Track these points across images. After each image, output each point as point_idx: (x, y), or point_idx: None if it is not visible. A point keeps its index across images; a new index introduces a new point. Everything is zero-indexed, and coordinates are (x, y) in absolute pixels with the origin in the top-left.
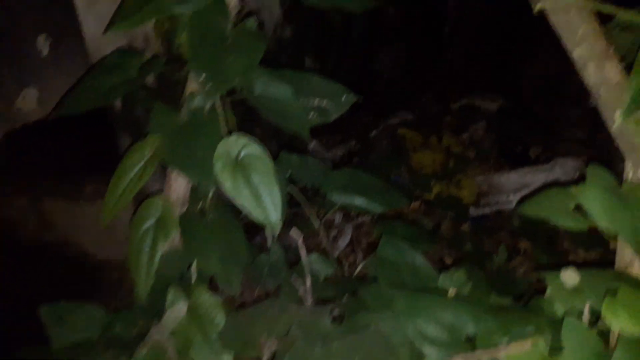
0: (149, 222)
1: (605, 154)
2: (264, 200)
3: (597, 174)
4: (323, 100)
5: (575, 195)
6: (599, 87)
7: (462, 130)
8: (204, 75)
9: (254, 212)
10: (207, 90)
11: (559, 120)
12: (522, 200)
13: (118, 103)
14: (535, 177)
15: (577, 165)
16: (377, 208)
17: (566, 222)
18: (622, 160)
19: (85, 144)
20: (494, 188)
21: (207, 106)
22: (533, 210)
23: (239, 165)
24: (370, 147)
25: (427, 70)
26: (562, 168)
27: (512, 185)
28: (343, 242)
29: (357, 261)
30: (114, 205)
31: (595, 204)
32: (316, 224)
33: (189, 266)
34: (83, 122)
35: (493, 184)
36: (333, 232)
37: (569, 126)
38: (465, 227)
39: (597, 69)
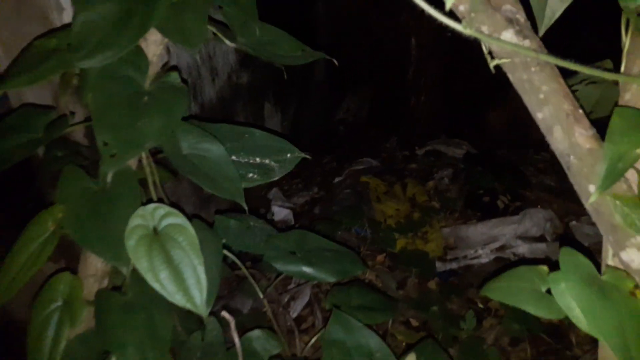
0: (55, 304)
1: (574, 202)
2: (186, 281)
3: (571, 262)
4: (266, 158)
5: (545, 276)
6: (568, 155)
7: (427, 178)
8: (107, 140)
9: (174, 297)
10: (111, 158)
11: (527, 167)
12: (493, 253)
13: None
14: (504, 229)
15: (548, 217)
16: (328, 277)
17: (538, 310)
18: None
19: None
20: (462, 241)
21: (121, 171)
22: (499, 294)
23: (157, 240)
24: (333, 195)
25: (391, 116)
26: (532, 219)
27: (481, 238)
28: (301, 303)
29: (315, 324)
30: (7, 286)
31: (571, 300)
32: (261, 293)
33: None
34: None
35: (460, 237)
36: (291, 291)
37: (537, 172)
38: (433, 283)
39: (565, 134)
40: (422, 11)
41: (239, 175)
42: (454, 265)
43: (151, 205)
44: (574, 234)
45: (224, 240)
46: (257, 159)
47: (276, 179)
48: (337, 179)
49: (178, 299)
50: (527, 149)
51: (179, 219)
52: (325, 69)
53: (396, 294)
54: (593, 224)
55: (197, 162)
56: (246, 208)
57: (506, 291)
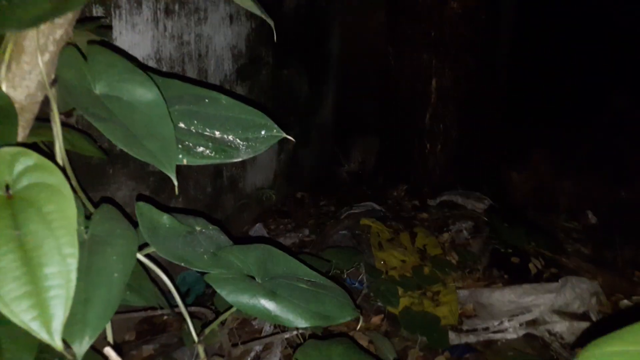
0: None
1: (615, 274)
2: (41, 282)
3: None
4: (229, 133)
5: None
6: None
7: (441, 229)
8: None
9: (12, 308)
10: None
11: (558, 233)
12: (522, 328)
13: None
14: (538, 298)
15: (593, 290)
16: (298, 321)
17: None
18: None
19: None
20: (483, 309)
21: None
22: None
23: (8, 206)
24: (325, 237)
25: (402, 163)
26: (574, 290)
27: (507, 307)
28: None
29: None
30: None
31: None
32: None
33: None
34: None
35: (482, 303)
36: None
37: (571, 240)
38: (442, 359)
39: None
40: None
41: (173, 136)
42: (472, 339)
43: (7, 149)
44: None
45: (140, 245)
46: (216, 132)
47: (239, 160)
48: (332, 220)
49: (19, 312)
50: (555, 214)
51: (52, 177)
52: (333, 108)
53: None
54: None
55: (113, 107)
56: (176, 183)
57: None
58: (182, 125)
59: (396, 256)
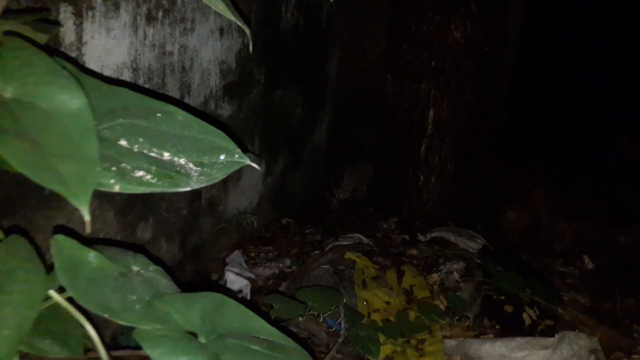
0: None
1: (614, 328)
2: None
3: None
4: (180, 156)
5: None
6: None
7: (430, 269)
8: None
9: None
10: None
11: (553, 279)
12: None
13: None
14: (532, 354)
15: (592, 346)
16: None
17: None
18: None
19: None
20: None
21: None
22: None
23: None
24: (307, 270)
25: (394, 195)
26: (572, 347)
27: None
28: None
29: None
30: None
31: None
32: None
33: None
34: None
35: (471, 356)
36: None
37: (566, 287)
38: None
39: None
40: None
41: (96, 157)
42: None
43: None
44: None
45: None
46: (165, 154)
47: (187, 189)
48: (316, 252)
49: None
50: (550, 259)
51: None
52: (327, 133)
53: None
54: None
55: (24, 116)
56: (87, 218)
57: None
58: (123, 143)
59: (380, 297)
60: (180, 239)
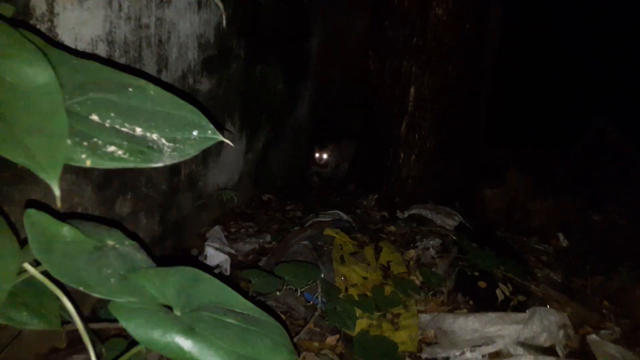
0: None
1: (584, 304)
2: None
3: None
4: (153, 131)
5: None
6: None
7: (407, 246)
8: None
9: None
10: None
11: (528, 256)
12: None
13: None
14: (503, 328)
15: (561, 322)
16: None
17: None
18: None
19: None
20: (445, 336)
21: None
22: None
23: None
24: (286, 245)
25: (374, 172)
26: (542, 322)
27: (471, 336)
28: None
29: None
30: None
31: None
32: None
33: None
34: None
35: (444, 330)
36: None
37: (540, 265)
38: None
39: None
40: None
41: (65, 131)
42: None
43: None
44: (593, 352)
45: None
46: (137, 129)
47: (160, 165)
48: (296, 228)
49: None
50: (526, 236)
51: None
52: (310, 109)
53: None
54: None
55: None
56: (58, 193)
57: None
58: (94, 117)
59: (358, 272)
60: (160, 214)
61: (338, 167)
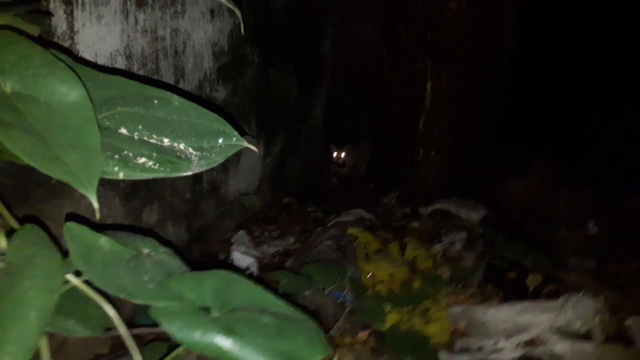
0: None
1: (618, 290)
2: None
3: None
4: (180, 141)
5: None
6: None
7: (432, 241)
8: None
9: None
10: None
11: (557, 245)
12: (520, 348)
13: None
14: (537, 317)
15: (597, 308)
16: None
17: None
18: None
19: None
20: (477, 327)
21: None
22: None
23: None
24: (310, 246)
25: (394, 170)
26: (576, 309)
27: (504, 326)
28: None
29: None
30: None
31: None
32: None
33: None
34: None
35: (476, 321)
36: None
37: (571, 253)
38: None
39: None
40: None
41: (99, 146)
42: (465, 359)
43: None
44: (632, 336)
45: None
46: (165, 140)
47: (189, 174)
48: (319, 229)
49: None
50: (554, 226)
51: None
52: (324, 111)
53: None
54: None
55: (26, 110)
56: (96, 206)
57: None
58: (123, 131)
59: (384, 269)
60: (186, 222)
61: (354, 167)
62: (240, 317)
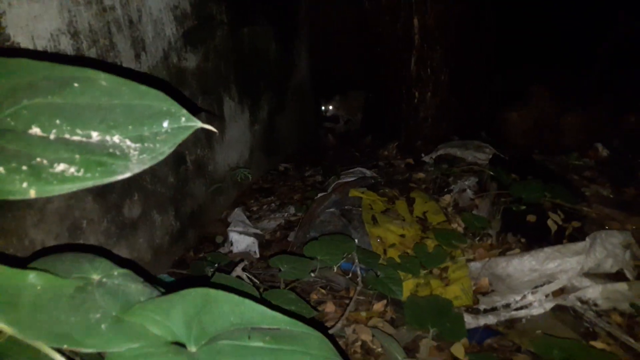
0: None
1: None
2: None
3: None
4: (113, 133)
5: None
6: None
7: (441, 191)
8: None
9: None
10: None
11: (570, 175)
12: (550, 299)
13: None
14: (564, 262)
15: (625, 242)
16: None
17: None
18: None
19: None
20: (501, 282)
21: None
22: None
23: None
24: (312, 215)
25: (390, 118)
26: (604, 247)
27: (529, 277)
28: None
29: None
30: None
31: None
32: None
33: None
34: None
35: (499, 275)
36: None
37: (586, 182)
38: (460, 348)
39: None
40: None
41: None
42: (491, 320)
43: None
44: None
45: None
46: (93, 134)
47: (127, 175)
48: (319, 195)
49: None
50: (563, 155)
51: None
52: (308, 66)
53: None
54: None
55: None
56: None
57: None
58: (35, 131)
59: (394, 231)
60: (174, 208)
61: (350, 121)
62: (224, 348)
